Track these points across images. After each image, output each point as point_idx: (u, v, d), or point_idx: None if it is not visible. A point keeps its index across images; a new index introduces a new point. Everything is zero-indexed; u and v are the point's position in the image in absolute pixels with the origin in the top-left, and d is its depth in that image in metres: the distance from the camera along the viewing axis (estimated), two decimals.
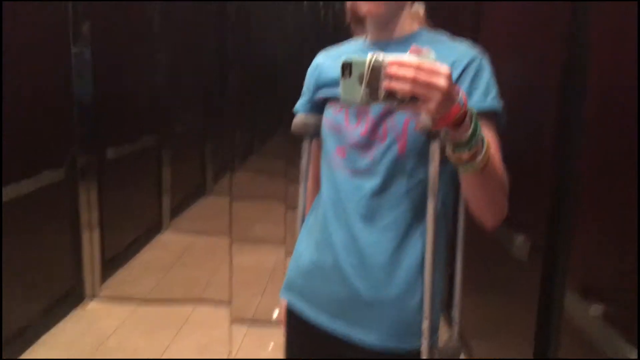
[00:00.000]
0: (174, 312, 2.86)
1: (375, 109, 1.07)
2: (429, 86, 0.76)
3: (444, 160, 1.05)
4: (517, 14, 1.59)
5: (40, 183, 2.50)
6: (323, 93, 1.19)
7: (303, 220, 1.27)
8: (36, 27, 2.48)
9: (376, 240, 1.08)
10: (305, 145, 1.25)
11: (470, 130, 0.84)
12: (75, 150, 2.85)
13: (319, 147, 1.23)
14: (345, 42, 1.25)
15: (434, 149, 1.04)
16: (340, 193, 1.12)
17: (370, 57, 0.77)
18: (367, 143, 1.09)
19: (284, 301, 1.23)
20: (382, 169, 1.08)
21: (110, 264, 3.22)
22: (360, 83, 0.78)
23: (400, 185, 1.08)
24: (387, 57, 0.77)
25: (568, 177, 1.25)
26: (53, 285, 2.70)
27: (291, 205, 1.31)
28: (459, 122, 0.82)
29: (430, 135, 1.03)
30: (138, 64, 3.64)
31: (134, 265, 3.46)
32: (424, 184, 1.08)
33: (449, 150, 0.89)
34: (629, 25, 1.00)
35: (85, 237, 2.95)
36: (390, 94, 0.77)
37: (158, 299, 3.00)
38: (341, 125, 1.13)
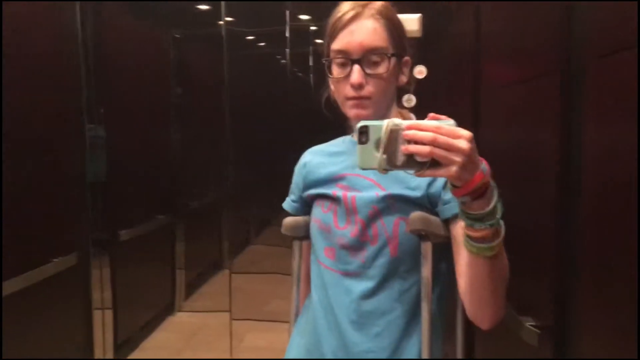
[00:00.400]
0: None
1: (364, 210, 1.05)
2: (450, 148, 0.72)
3: (439, 257, 1.02)
4: (512, 94, 1.60)
5: (52, 270, 2.48)
6: (312, 192, 1.18)
7: (294, 324, 1.24)
8: (50, 106, 2.54)
9: (369, 349, 1.03)
10: (296, 246, 1.23)
11: (493, 203, 0.78)
12: (87, 234, 2.86)
13: (309, 247, 1.21)
14: (332, 141, 1.25)
15: (426, 249, 1.00)
16: (330, 296, 1.08)
17: (389, 121, 0.75)
18: (357, 245, 1.06)
19: None
20: (374, 272, 1.04)
21: (123, 348, 3.16)
22: (378, 148, 0.76)
23: (393, 289, 1.04)
24: (406, 122, 0.75)
25: (574, 257, 1.21)
26: None
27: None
28: (481, 192, 0.77)
29: (421, 236, 1.00)
30: (151, 142, 3.70)
31: (147, 349, 3.39)
32: (418, 285, 1.04)
33: (464, 228, 0.84)
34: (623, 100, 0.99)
35: (96, 320, 2.91)
36: (410, 159, 0.74)
37: None
38: (330, 226, 1.10)
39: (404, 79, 1.13)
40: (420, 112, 1.93)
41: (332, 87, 1.15)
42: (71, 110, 2.76)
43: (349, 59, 1.04)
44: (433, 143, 0.72)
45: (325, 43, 1.10)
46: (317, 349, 1.08)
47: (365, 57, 1.03)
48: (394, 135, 0.75)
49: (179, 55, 4.04)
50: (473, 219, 0.80)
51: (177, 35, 3.93)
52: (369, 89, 1.04)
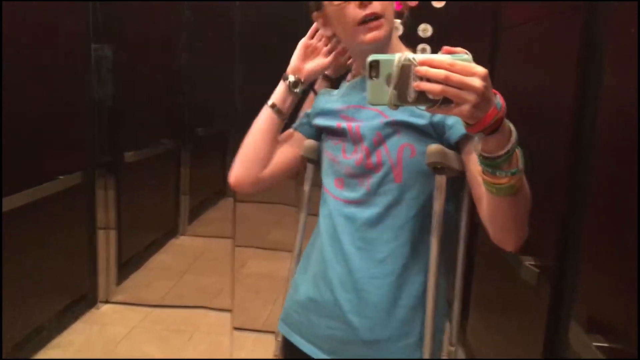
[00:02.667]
0: (186, 319, 2.86)
1: (369, 137, 1.04)
2: (463, 86, 0.69)
3: (448, 193, 1.01)
4: (531, 34, 1.55)
5: (57, 187, 2.51)
6: (318, 121, 1.16)
7: (301, 249, 1.24)
8: (56, 27, 2.49)
9: (373, 274, 1.04)
10: (310, 171, 1.22)
11: (510, 144, 0.75)
12: (93, 153, 2.87)
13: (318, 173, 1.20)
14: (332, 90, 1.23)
15: (441, 183, 0.99)
16: (336, 225, 1.08)
17: (400, 55, 0.72)
18: (362, 172, 1.05)
19: (280, 334, 1.20)
20: (378, 199, 1.04)
21: (125, 267, 3.24)
22: (389, 84, 0.73)
23: (398, 217, 1.03)
24: (418, 56, 0.71)
25: (580, 201, 1.21)
26: (67, 287, 2.72)
27: (311, 211, 1.28)
28: (495, 127, 0.74)
29: (436, 169, 0.98)
30: (159, 66, 3.65)
31: (149, 269, 3.48)
32: (422, 215, 1.03)
33: (483, 174, 0.81)
34: None
35: (101, 240, 2.97)
36: (421, 96, 0.72)
37: (170, 305, 3.01)
38: (339, 156, 1.09)
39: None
40: (434, 50, 1.89)
41: (325, 33, 1.15)
42: (77, 29, 2.70)
43: None
44: (446, 81, 0.69)
45: None
46: (323, 277, 1.09)
47: None
48: (405, 70, 0.71)
49: None
50: (493, 166, 0.78)
51: None
52: (376, 5, 1.01)
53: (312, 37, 1.18)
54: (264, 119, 1.18)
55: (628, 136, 1.01)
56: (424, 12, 1.72)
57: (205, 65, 3.98)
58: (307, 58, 1.18)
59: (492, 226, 0.94)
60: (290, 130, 1.23)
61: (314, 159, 1.19)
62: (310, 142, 1.19)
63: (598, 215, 1.11)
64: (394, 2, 1.05)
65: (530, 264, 1.33)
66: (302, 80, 1.17)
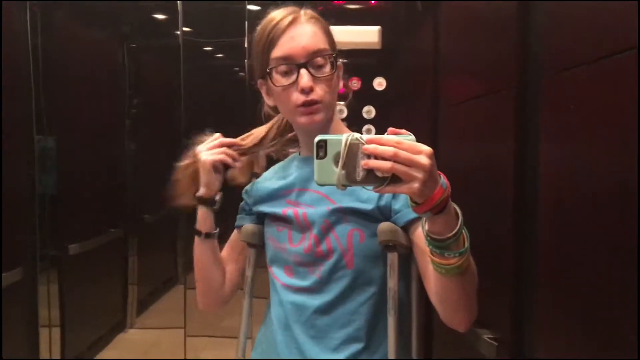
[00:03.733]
0: None
1: (317, 224, 1.03)
2: (411, 163, 0.70)
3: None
4: (469, 111, 1.61)
5: None
6: (261, 208, 1.15)
7: (246, 334, 1.21)
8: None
9: None
10: (252, 255, 1.19)
11: (458, 226, 0.77)
12: (34, 248, 2.75)
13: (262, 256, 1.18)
14: (279, 163, 1.23)
15: (393, 260, 0.99)
16: (287, 313, 1.06)
17: (347, 135, 0.72)
18: (312, 260, 1.04)
19: None
20: (330, 287, 1.02)
21: None
22: (336, 164, 0.72)
23: (351, 303, 1.02)
24: (365, 136, 0.72)
25: (529, 269, 1.22)
26: None
27: (259, 295, 1.24)
28: (442, 207, 0.75)
29: (387, 247, 0.99)
30: (104, 153, 3.61)
31: None
32: (375, 297, 1.02)
33: (432, 255, 0.82)
34: (577, 117, 1.00)
35: (43, 339, 2.79)
36: (370, 174, 0.72)
37: None
38: (285, 244, 1.08)
39: (341, 84, 1.11)
40: (379, 126, 1.95)
41: (268, 102, 1.14)
42: (20, 120, 2.66)
43: (294, 64, 1.02)
44: (394, 158, 0.70)
45: (259, 54, 1.07)
46: None
47: (310, 60, 1.02)
48: (353, 149, 0.72)
49: (134, 65, 3.97)
50: (442, 247, 0.79)
51: (132, 45, 3.85)
52: (317, 92, 1.02)
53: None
54: (199, 250, 1.17)
55: (569, 201, 1.04)
56: (367, 94, 1.79)
57: (152, 151, 3.97)
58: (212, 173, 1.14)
59: (441, 306, 0.94)
60: (235, 233, 1.23)
61: (255, 243, 1.17)
62: (249, 227, 1.17)
63: (549, 281, 1.13)
64: (337, 87, 1.08)
65: (488, 338, 1.32)
66: (217, 196, 1.16)
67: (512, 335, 1.27)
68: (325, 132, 1.08)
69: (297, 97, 1.02)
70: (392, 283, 0.99)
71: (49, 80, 2.78)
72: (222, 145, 1.12)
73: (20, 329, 2.65)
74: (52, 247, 2.85)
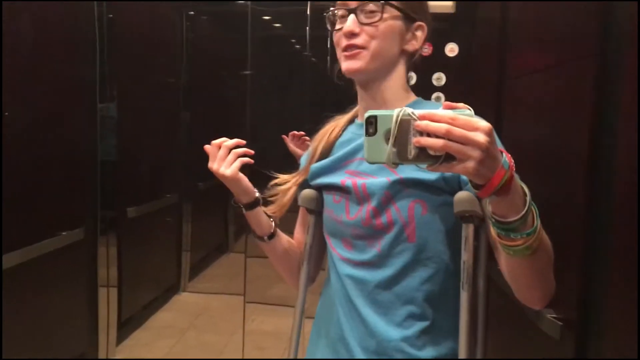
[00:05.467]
0: None
1: (377, 196, 1.00)
2: (466, 141, 0.65)
3: (452, 226, 0.97)
4: (540, 83, 1.55)
5: (60, 243, 2.47)
6: (319, 181, 1.12)
7: (303, 304, 1.19)
8: (64, 83, 2.51)
9: (394, 337, 0.98)
10: (311, 221, 1.17)
11: (526, 208, 0.71)
12: (95, 210, 2.84)
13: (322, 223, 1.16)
14: (337, 117, 1.19)
15: (469, 232, 0.94)
16: (347, 287, 1.03)
17: (399, 110, 0.68)
18: (371, 233, 1.00)
19: None
20: (390, 261, 0.98)
21: (126, 326, 3.16)
22: (387, 140, 0.69)
23: (414, 278, 0.98)
24: (418, 111, 0.68)
25: (600, 249, 1.18)
26: (67, 346, 2.63)
27: (313, 264, 1.23)
28: (505, 189, 0.69)
29: (464, 218, 0.95)
30: (161, 121, 3.67)
31: (150, 328, 3.38)
32: (442, 273, 0.99)
33: (494, 234, 0.77)
34: None
35: (102, 297, 2.90)
36: (422, 153, 0.67)
37: None
38: (342, 216, 1.04)
39: (415, 44, 1.05)
40: (450, 94, 1.89)
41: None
42: (84, 88, 2.73)
43: (346, 9, 1.01)
44: (447, 135, 0.65)
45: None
46: (341, 341, 1.03)
47: (361, 6, 1.00)
48: (404, 126, 0.68)
49: (193, 33, 4.00)
50: (508, 229, 0.74)
51: (191, 13, 3.88)
52: (362, 38, 0.99)
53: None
54: (268, 251, 1.17)
55: None
56: (437, 60, 1.73)
57: (208, 118, 4.01)
58: (239, 181, 1.10)
59: (514, 284, 0.89)
60: (301, 210, 1.20)
61: (314, 209, 1.14)
62: (307, 192, 1.14)
63: (622, 264, 1.08)
64: (389, 37, 1.03)
65: (552, 317, 1.28)
66: (256, 194, 1.12)
67: (578, 316, 1.23)
68: (382, 92, 1.04)
69: (341, 41, 1.01)
70: (467, 256, 0.94)
71: (112, 48, 2.83)
72: (229, 150, 1.07)
73: (81, 288, 2.76)
74: (112, 210, 2.93)
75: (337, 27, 1.03)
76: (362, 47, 0.99)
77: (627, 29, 1.10)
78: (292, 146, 1.93)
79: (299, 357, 1.18)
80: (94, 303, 2.87)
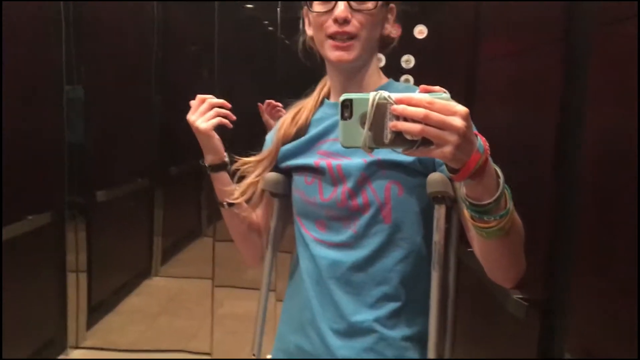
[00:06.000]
0: None
1: (352, 177, 1.00)
2: (444, 126, 0.64)
3: (425, 206, 0.98)
4: (510, 67, 1.56)
5: (26, 227, 2.42)
6: (290, 163, 1.09)
7: (268, 287, 1.20)
8: (29, 65, 2.45)
9: (366, 319, 0.98)
10: (276, 205, 1.16)
11: (499, 190, 0.71)
12: (63, 193, 2.79)
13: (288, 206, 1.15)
14: (301, 100, 1.17)
15: (441, 213, 0.95)
16: (321, 269, 1.02)
17: (375, 94, 0.67)
18: (346, 214, 0.99)
19: None
20: (366, 241, 0.98)
21: (96, 311, 3.12)
22: (363, 124, 0.67)
23: (388, 259, 0.99)
24: (394, 95, 0.67)
25: (566, 231, 1.20)
26: (36, 332, 2.59)
27: (284, 248, 1.23)
28: (480, 172, 0.69)
29: (436, 199, 0.95)
30: (132, 105, 3.61)
31: (121, 312, 3.35)
32: (415, 254, 1.00)
33: (467, 216, 0.77)
34: (629, 76, 0.96)
35: (70, 282, 2.86)
36: (398, 137, 0.66)
37: (144, 350, 2.89)
38: (315, 198, 1.03)
39: (388, 27, 1.04)
40: (417, 77, 1.90)
41: (307, 31, 1.07)
42: (50, 70, 2.67)
43: None
44: (425, 120, 0.64)
45: None
46: (311, 324, 1.03)
47: None
48: (381, 110, 0.66)
49: (164, 16, 3.93)
50: (481, 212, 0.74)
51: None
52: (354, 25, 0.96)
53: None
54: (229, 219, 1.15)
55: (613, 163, 1.01)
56: (406, 42, 1.74)
57: (178, 103, 3.96)
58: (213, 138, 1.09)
59: (486, 263, 0.90)
60: (263, 193, 1.16)
61: (279, 193, 1.12)
62: (272, 175, 1.11)
63: (587, 244, 1.10)
64: (378, 26, 1.02)
65: (518, 297, 1.30)
66: (226, 158, 1.12)
67: (543, 297, 1.25)
68: (359, 77, 1.03)
69: (331, 26, 0.97)
70: (438, 237, 0.95)
71: (79, 31, 2.77)
72: (212, 106, 1.07)
73: (48, 273, 2.72)
74: (81, 194, 2.88)
75: (321, 9, 0.98)
76: (353, 35, 0.97)
77: (592, 13, 1.11)
78: (266, 116, 1.93)
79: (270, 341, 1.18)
80: (63, 288, 2.83)
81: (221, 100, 1.07)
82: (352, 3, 0.95)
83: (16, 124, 2.35)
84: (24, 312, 2.48)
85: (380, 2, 0.97)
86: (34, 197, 2.53)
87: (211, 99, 1.07)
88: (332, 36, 0.97)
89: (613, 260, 1.01)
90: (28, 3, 2.42)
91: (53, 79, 2.70)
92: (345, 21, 0.95)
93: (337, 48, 0.97)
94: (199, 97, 1.07)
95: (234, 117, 1.08)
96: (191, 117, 1.06)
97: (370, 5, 0.96)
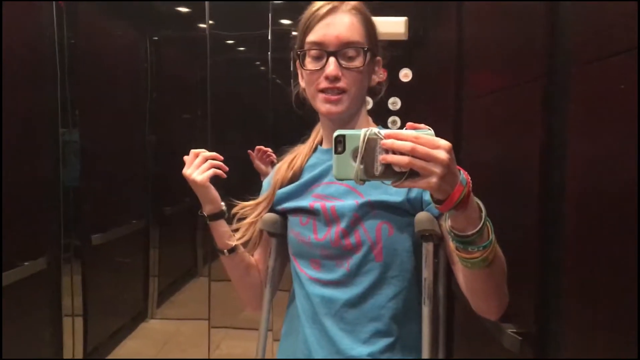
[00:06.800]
0: None
1: (346, 218, 1.03)
2: (429, 158, 0.70)
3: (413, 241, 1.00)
4: (493, 104, 1.60)
5: (22, 274, 2.41)
6: (286, 205, 1.15)
7: (267, 326, 1.22)
8: (23, 108, 2.48)
9: (360, 354, 1.01)
10: (274, 244, 1.19)
11: (482, 222, 0.77)
12: (58, 238, 2.79)
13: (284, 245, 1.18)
14: (296, 147, 1.23)
15: (429, 250, 0.99)
16: (315, 306, 1.06)
17: (366, 130, 0.73)
18: (339, 254, 1.04)
19: None
20: (358, 280, 1.02)
21: (93, 355, 3.08)
22: (355, 158, 0.73)
23: (380, 296, 1.02)
24: (384, 131, 0.73)
25: (553, 264, 1.21)
26: None
27: (283, 287, 1.25)
28: (464, 204, 0.74)
29: (424, 237, 0.98)
30: (126, 145, 3.64)
31: (117, 356, 3.31)
32: (406, 291, 1.02)
33: (457, 250, 0.82)
34: (604, 107, 0.99)
35: (66, 327, 2.84)
36: (388, 169, 0.72)
37: None
38: (310, 237, 1.08)
39: (375, 78, 1.12)
40: (405, 118, 1.94)
41: (302, 83, 1.13)
42: (45, 113, 2.70)
43: (324, 51, 1.03)
44: (412, 153, 0.70)
45: (298, 36, 1.09)
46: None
47: (341, 50, 1.03)
48: (371, 144, 0.72)
49: (157, 58, 3.99)
50: (466, 243, 0.79)
51: (155, 38, 3.88)
52: (344, 82, 1.03)
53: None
54: (229, 266, 1.20)
55: (597, 193, 1.03)
56: (392, 86, 1.80)
57: (174, 143, 3.99)
58: (209, 189, 1.14)
59: (472, 297, 0.94)
60: (261, 233, 1.22)
61: (277, 232, 1.17)
62: (269, 216, 1.16)
63: (576, 275, 1.11)
64: (366, 81, 1.08)
65: (512, 332, 1.31)
66: (223, 207, 1.17)
67: (537, 330, 1.26)
68: (350, 125, 1.08)
69: (322, 82, 1.04)
70: (427, 273, 0.99)
71: (74, 73, 2.81)
72: (206, 159, 1.12)
73: (44, 317, 2.70)
74: (76, 237, 2.88)
75: (312, 67, 1.05)
76: (343, 90, 1.03)
77: (572, 51, 1.15)
78: (257, 162, 1.97)
79: None
80: (59, 333, 2.80)
81: (214, 153, 1.12)
82: (342, 61, 1.01)
83: (12, 169, 2.37)
84: (20, 358, 2.45)
85: (368, 59, 1.03)
86: (30, 242, 2.53)
87: (204, 153, 1.12)
88: (323, 90, 1.02)
89: (601, 291, 1.02)
90: (23, 47, 2.46)
91: (48, 122, 2.72)
92: (335, 78, 1.01)
93: (328, 101, 1.04)
94: (193, 151, 1.12)
95: (227, 168, 1.12)
96: (187, 171, 1.10)
97: (358, 63, 1.02)
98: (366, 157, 0.72)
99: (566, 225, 1.15)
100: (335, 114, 1.04)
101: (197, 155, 1.12)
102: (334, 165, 0.75)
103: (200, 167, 1.10)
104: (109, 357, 3.27)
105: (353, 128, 1.08)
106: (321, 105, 1.04)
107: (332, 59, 1.02)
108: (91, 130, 2.99)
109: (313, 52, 1.05)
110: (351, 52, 1.03)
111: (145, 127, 3.92)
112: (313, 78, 1.05)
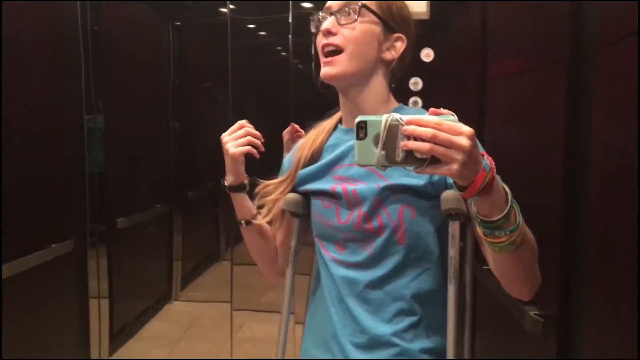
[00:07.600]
0: None
1: (368, 201, 1.03)
2: (451, 145, 0.69)
3: (437, 221, 1.00)
4: (517, 87, 1.58)
5: (49, 256, 2.47)
6: (307, 187, 1.15)
7: (290, 306, 1.22)
8: (49, 95, 2.52)
9: (384, 333, 1.02)
10: (296, 225, 1.20)
11: (508, 206, 0.76)
12: (84, 222, 2.84)
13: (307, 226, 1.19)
14: (319, 124, 1.22)
15: (455, 229, 0.98)
16: (340, 287, 1.07)
17: (387, 116, 0.73)
18: (363, 237, 1.04)
19: None
20: (382, 262, 1.03)
21: (118, 337, 3.15)
22: (376, 144, 0.73)
23: (404, 277, 1.02)
24: (405, 117, 0.73)
25: (577, 247, 1.21)
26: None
27: (300, 271, 1.26)
28: (487, 190, 0.73)
29: (450, 216, 0.98)
30: (150, 132, 3.68)
31: (143, 338, 3.38)
32: (430, 271, 1.03)
33: (480, 232, 0.81)
34: (630, 95, 0.98)
35: (92, 309, 2.90)
36: (409, 155, 0.72)
37: None
38: (333, 221, 1.08)
39: (393, 54, 1.09)
40: (426, 99, 1.93)
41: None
42: (70, 100, 2.74)
43: (328, 12, 1.06)
44: (433, 139, 0.69)
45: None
46: (334, 339, 1.07)
47: (342, 8, 1.04)
48: (393, 130, 0.72)
49: (178, 43, 4.01)
50: (492, 228, 0.78)
51: (177, 23, 3.90)
52: (339, 38, 1.03)
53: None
54: (247, 237, 1.21)
55: (621, 178, 1.02)
56: (414, 66, 1.79)
57: (197, 128, 4.02)
58: (239, 163, 1.15)
59: (503, 278, 0.93)
60: (283, 212, 1.22)
61: (299, 212, 1.17)
62: (292, 196, 1.16)
63: (599, 258, 1.11)
64: (364, 39, 1.06)
65: (534, 314, 1.31)
66: (245, 180, 1.17)
67: (559, 313, 1.26)
68: (361, 100, 1.07)
69: (320, 40, 1.06)
70: (454, 252, 0.99)
71: (97, 60, 2.85)
72: (247, 134, 1.12)
73: (70, 300, 2.76)
74: (101, 221, 2.94)
75: (315, 29, 1.08)
76: (339, 48, 1.03)
77: (598, 32, 1.13)
78: (287, 137, 1.94)
79: (290, 358, 1.21)
80: (85, 315, 2.87)
81: (257, 132, 1.12)
82: (339, 18, 1.01)
83: (39, 154, 2.42)
84: (47, 339, 2.52)
85: (374, 22, 1.03)
86: (57, 225, 2.59)
87: (248, 127, 1.12)
88: (325, 54, 1.03)
89: (624, 276, 1.02)
90: (48, 35, 2.50)
91: (73, 109, 2.77)
92: (329, 33, 1.01)
93: (325, 64, 1.04)
94: (239, 122, 1.12)
95: (263, 149, 1.12)
96: (225, 137, 1.11)
97: (353, 19, 1.02)
98: (388, 143, 0.73)
99: (590, 209, 1.14)
100: (330, 77, 1.03)
101: (241, 127, 1.12)
102: (355, 151, 0.75)
103: (238, 140, 1.11)
104: (134, 338, 3.33)
105: (366, 104, 1.08)
106: (322, 69, 1.05)
107: (331, 17, 1.04)
108: (115, 117, 3.03)
109: (322, 15, 1.07)
110: (351, 11, 1.03)
111: (168, 112, 3.96)
112: (318, 40, 1.07)
